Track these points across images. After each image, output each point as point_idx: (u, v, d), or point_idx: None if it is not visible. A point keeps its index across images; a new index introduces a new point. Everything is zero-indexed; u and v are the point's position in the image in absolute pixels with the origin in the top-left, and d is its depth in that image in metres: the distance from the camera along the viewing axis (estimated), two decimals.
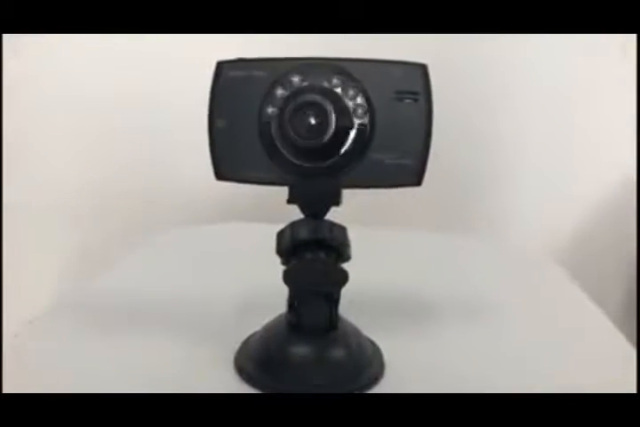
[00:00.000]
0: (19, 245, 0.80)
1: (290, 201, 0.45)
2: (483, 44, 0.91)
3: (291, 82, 0.43)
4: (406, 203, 0.86)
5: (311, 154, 0.43)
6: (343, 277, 0.43)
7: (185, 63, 0.84)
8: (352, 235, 0.46)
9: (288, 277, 0.43)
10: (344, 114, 0.42)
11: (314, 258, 0.43)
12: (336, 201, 0.45)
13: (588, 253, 1.11)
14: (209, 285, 0.61)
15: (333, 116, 0.41)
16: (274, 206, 0.45)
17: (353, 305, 0.48)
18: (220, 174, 0.46)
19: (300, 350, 0.45)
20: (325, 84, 0.42)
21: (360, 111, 0.43)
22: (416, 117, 0.43)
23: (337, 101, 0.42)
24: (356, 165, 0.43)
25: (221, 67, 0.45)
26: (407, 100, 0.43)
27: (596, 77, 0.99)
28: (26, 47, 0.74)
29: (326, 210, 0.45)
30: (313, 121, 0.41)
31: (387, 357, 0.48)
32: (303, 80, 0.43)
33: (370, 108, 0.43)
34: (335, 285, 0.44)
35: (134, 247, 0.72)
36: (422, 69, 0.43)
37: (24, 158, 0.81)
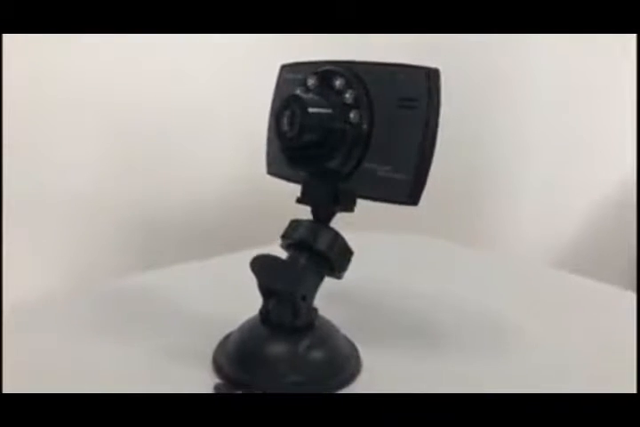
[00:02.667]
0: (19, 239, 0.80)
1: (297, 200, 0.45)
2: (481, 47, 0.91)
3: (307, 84, 0.44)
4: (406, 210, 0.86)
5: (303, 154, 0.43)
6: (289, 279, 0.43)
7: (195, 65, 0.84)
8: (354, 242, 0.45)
9: (250, 267, 0.44)
10: (334, 117, 0.41)
11: (266, 254, 0.43)
12: (335, 206, 0.44)
13: (589, 254, 1.11)
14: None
15: (311, 119, 0.40)
16: None
17: (340, 304, 0.48)
18: (268, 169, 0.49)
19: (273, 346, 0.45)
20: (330, 88, 0.42)
21: (355, 116, 0.41)
22: (412, 127, 0.40)
23: (330, 105, 0.41)
24: (353, 171, 0.42)
25: (281, 69, 0.47)
26: (406, 108, 0.40)
27: (596, 79, 0.99)
28: (27, 47, 0.74)
29: (326, 213, 0.44)
30: (288, 124, 0.41)
31: (364, 355, 0.48)
32: (315, 82, 0.43)
33: (370, 114, 0.41)
34: (281, 283, 0.43)
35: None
36: (425, 74, 0.39)
37: (29, 158, 0.82)
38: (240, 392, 0.43)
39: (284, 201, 0.47)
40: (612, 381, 0.47)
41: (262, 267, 0.44)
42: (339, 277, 0.45)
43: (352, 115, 0.41)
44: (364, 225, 0.71)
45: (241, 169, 0.90)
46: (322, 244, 0.43)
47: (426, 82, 0.39)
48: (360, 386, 0.45)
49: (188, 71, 0.84)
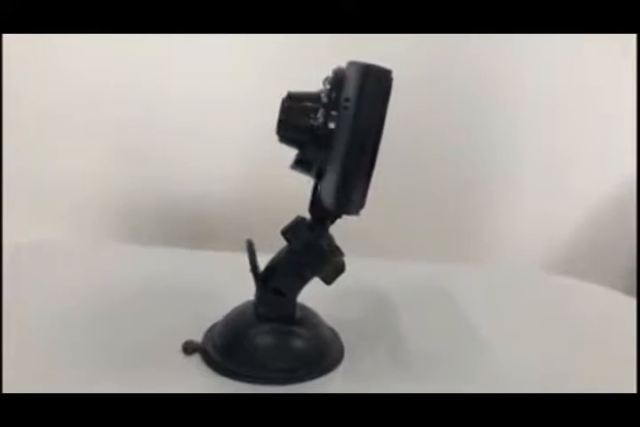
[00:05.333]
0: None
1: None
2: (477, 45, 0.90)
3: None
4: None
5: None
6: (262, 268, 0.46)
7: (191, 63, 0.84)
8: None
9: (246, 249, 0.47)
10: (307, 116, 0.39)
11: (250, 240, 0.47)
12: (315, 206, 0.44)
13: (589, 259, 1.10)
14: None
15: (285, 116, 0.40)
16: None
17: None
18: None
19: (257, 334, 0.46)
20: (320, 88, 0.41)
21: (320, 115, 0.39)
22: (343, 130, 0.37)
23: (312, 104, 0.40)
24: (323, 173, 0.40)
25: None
26: (345, 109, 0.37)
27: (593, 80, 0.99)
28: (29, 46, 0.74)
29: (316, 213, 0.44)
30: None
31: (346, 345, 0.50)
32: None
33: (336, 114, 0.38)
34: (254, 270, 0.46)
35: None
36: (361, 73, 0.35)
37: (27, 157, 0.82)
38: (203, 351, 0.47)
39: (288, 200, 0.47)
40: (612, 381, 0.47)
41: (249, 252, 0.46)
42: (326, 281, 0.45)
43: (318, 114, 0.39)
44: (371, 241, 0.71)
45: (243, 168, 0.90)
46: (295, 239, 0.44)
47: (359, 82, 0.35)
48: (344, 370, 0.47)
49: (193, 70, 0.84)
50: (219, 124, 0.87)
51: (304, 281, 0.46)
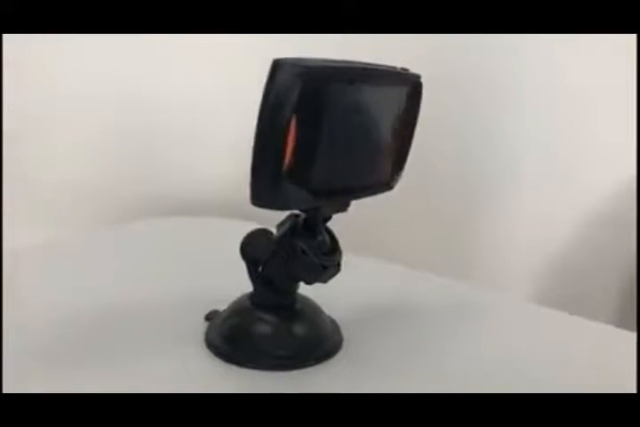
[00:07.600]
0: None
1: None
2: (474, 46, 0.90)
3: None
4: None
5: None
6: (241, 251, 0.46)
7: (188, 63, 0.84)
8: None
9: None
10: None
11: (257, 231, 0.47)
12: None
13: (587, 262, 1.10)
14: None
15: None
16: None
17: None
18: None
19: (259, 323, 0.47)
20: None
21: None
22: None
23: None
24: None
25: None
26: None
27: (593, 80, 0.99)
28: (28, 46, 0.74)
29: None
30: None
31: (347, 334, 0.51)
32: None
33: None
34: (244, 258, 0.46)
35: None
36: (273, 65, 0.35)
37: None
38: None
39: None
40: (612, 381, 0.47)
41: (245, 240, 0.47)
42: (305, 281, 0.45)
43: None
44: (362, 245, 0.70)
45: (239, 169, 0.90)
46: (277, 234, 0.45)
47: (270, 73, 0.35)
48: (342, 359, 0.48)
49: (187, 69, 0.84)
50: (218, 127, 0.87)
51: (290, 275, 0.46)
